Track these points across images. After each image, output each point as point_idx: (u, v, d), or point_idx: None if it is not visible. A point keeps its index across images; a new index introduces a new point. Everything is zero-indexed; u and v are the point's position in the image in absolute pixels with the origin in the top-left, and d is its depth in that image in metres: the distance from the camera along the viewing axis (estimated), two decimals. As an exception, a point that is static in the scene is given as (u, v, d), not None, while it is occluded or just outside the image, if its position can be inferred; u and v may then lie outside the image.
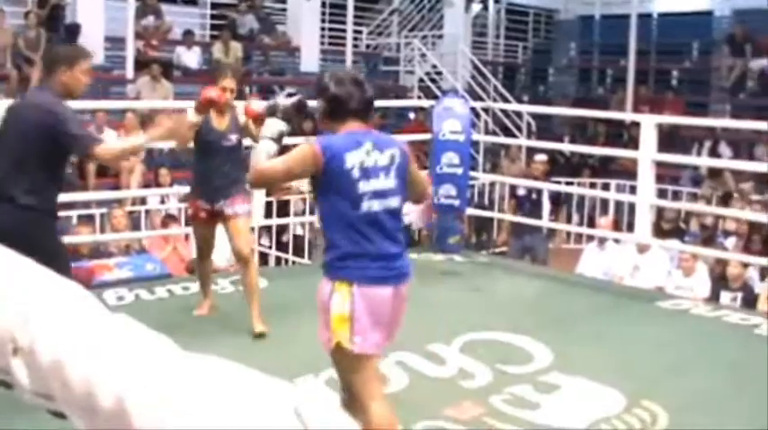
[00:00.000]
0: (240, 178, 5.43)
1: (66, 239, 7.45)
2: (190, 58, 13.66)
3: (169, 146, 6.91)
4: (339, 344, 3.29)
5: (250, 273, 5.57)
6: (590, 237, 9.67)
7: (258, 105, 5.23)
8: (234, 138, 5.59)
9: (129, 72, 12.79)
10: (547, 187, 9.12)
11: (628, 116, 11.67)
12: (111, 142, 5.05)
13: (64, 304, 1.45)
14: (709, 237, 9.92)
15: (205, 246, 5.84)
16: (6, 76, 11.47)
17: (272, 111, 3.65)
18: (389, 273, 3.35)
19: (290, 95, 3.70)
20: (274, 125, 3.59)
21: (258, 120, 5.00)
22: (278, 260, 9.32)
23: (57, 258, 3.74)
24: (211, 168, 5.56)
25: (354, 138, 3.37)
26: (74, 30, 12.61)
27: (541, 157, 9.35)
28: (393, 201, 3.39)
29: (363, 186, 3.30)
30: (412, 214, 9.36)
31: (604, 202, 11.73)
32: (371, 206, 3.32)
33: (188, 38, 13.85)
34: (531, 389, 4.62)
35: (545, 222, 8.97)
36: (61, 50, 4.90)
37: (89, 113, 10.81)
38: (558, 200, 9.51)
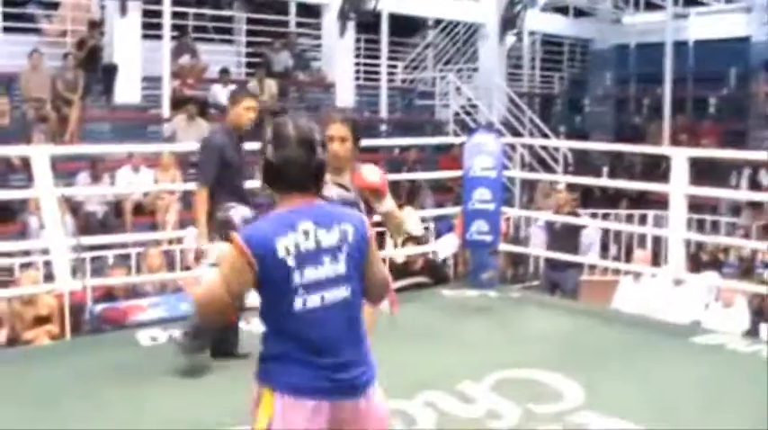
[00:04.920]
0: None
1: (99, 281, 7.59)
2: (225, 95, 13.76)
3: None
4: None
5: None
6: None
7: (374, 174, 3.94)
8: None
9: (166, 111, 12.94)
10: (570, 220, 9.02)
11: (658, 150, 11.59)
12: None
13: None
14: (747, 268, 9.79)
15: None
16: (46, 117, 11.65)
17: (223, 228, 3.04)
18: (325, 385, 2.71)
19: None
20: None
21: (375, 193, 3.93)
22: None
23: None
24: None
25: (287, 220, 2.73)
26: (111, 70, 12.84)
27: (561, 186, 9.29)
28: (343, 291, 2.76)
29: (298, 277, 2.68)
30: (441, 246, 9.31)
31: (642, 233, 11.63)
32: (308, 301, 2.70)
33: (224, 76, 13.98)
34: (559, 429, 4.57)
35: (571, 257, 8.85)
36: None
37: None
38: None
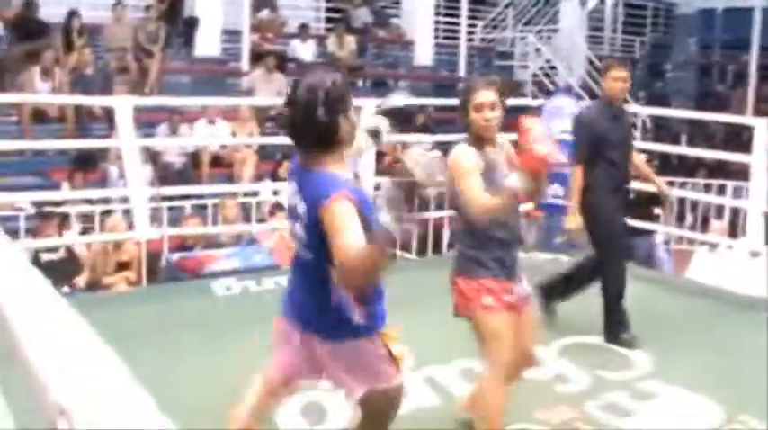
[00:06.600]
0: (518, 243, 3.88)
1: (177, 230, 7.74)
2: (304, 50, 13.85)
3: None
4: None
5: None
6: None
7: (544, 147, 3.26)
8: None
9: (245, 64, 13.05)
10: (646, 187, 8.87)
11: (741, 119, 11.33)
12: None
13: None
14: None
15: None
16: (127, 68, 11.84)
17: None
18: (295, 317, 3.05)
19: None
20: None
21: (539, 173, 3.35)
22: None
23: None
24: (497, 222, 3.63)
25: (291, 173, 3.05)
26: (192, 23, 12.98)
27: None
28: (305, 253, 2.92)
29: (292, 228, 2.98)
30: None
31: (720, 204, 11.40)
32: (296, 250, 3.03)
33: (303, 31, 14.05)
34: (627, 396, 4.56)
35: (649, 224, 8.73)
36: None
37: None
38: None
